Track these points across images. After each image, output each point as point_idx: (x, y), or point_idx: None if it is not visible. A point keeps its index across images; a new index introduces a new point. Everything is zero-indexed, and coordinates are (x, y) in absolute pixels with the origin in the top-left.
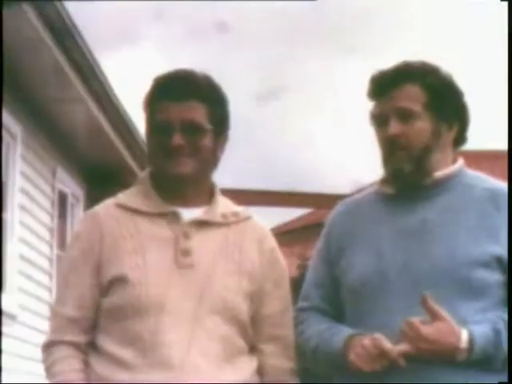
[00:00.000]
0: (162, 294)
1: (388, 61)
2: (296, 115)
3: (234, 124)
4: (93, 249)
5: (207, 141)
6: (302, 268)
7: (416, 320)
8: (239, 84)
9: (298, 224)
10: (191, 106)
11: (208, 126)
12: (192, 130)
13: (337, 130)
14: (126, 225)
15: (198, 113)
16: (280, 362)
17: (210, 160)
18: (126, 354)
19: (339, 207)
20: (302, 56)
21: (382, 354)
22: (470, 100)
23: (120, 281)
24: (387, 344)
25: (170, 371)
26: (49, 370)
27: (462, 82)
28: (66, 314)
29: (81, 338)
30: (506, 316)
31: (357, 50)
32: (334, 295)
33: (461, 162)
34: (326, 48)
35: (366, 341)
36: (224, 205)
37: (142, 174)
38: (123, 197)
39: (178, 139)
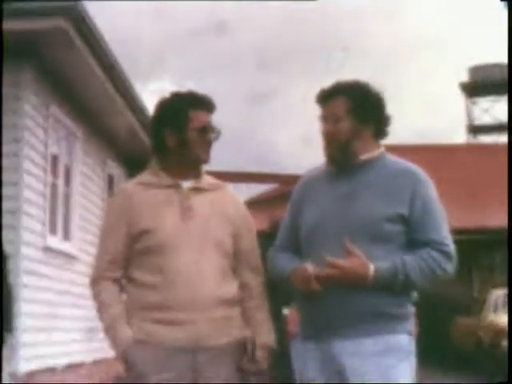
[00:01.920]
0: (174, 237)
1: (381, 60)
2: (293, 113)
3: (234, 122)
4: (125, 212)
5: None
6: (272, 224)
7: (333, 258)
8: (238, 84)
9: (266, 196)
10: (210, 116)
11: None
12: (211, 131)
13: None
14: (146, 194)
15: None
16: (253, 278)
17: None
18: (153, 279)
19: (301, 179)
20: (301, 55)
21: (307, 276)
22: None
23: (146, 232)
24: (310, 268)
25: (187, 288)
26: (96, 297)
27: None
28: (106, 257)
29: (117, 274)
30: (406, 255)
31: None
32: (295, 239)
33: (381, 149)
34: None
35: (298, 267)
36: (207, 178)
37: (152, 162)
38: (141, 177)
39: (211, 137)
